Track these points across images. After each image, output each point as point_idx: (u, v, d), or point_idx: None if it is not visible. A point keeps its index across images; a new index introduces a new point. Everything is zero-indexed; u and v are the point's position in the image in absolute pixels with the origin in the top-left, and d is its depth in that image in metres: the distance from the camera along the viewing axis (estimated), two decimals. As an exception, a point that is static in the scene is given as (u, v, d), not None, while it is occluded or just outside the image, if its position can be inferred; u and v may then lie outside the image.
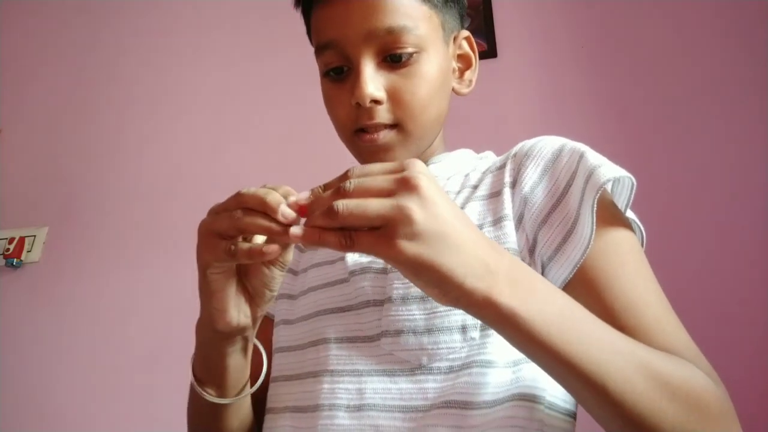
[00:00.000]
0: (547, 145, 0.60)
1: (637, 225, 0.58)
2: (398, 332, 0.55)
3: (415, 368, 0.54)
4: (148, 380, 1.54)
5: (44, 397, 1.59)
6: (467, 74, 0.70)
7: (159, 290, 1.62)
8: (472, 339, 0.53)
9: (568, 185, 0.55)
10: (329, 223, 0.39)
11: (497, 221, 0.58)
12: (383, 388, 0.54)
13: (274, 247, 0.45)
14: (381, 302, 0.57)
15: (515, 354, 0.51)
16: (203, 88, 1.84)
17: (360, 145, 0.62)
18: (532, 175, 0.59)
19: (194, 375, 0.57)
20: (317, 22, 0.63)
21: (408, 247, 0.38)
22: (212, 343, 0.54)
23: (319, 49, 0.63)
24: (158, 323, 1.59)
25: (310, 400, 0.58)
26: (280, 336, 0.67)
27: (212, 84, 1.84)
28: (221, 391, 0.57)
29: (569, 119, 1.51)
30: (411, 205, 0.38)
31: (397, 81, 0.60)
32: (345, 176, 0.42)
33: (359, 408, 0.54)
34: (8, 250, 1.73)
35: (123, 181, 1.80)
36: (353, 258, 0.63)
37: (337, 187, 0.40)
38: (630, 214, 0.57)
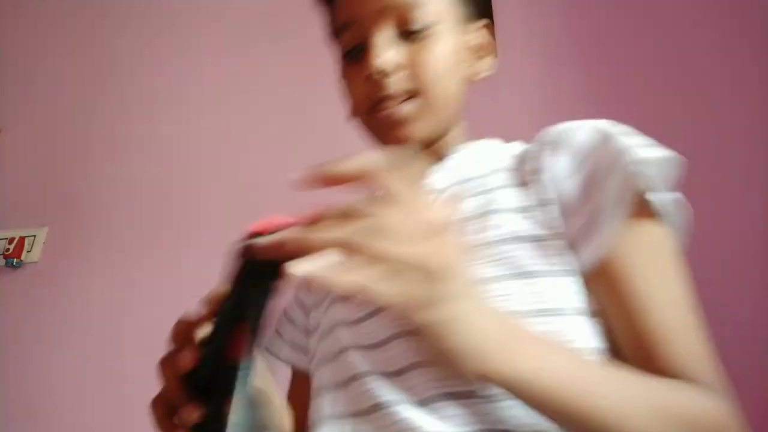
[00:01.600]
0: (582, 132, 0.60)
1: (675, 215, 0.55)
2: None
3: None
4: (147, 380, 1.53)
5: (44, 396, 1.59)
6: (486, 61, 0.70)
7: (159, 290, 1.62)
8: None
9: (606, 173, 0.54)
10: None
11: (542, 204, 0.57)
12: None
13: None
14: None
15: None
16: (204, 88, 1.84)
17: (376, 120, 0.62)
18: (565, 163, 0.58)
19: None
20: (337, 8, 0.65)
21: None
22: None
23: (339, 32, 0.64)
24: (158, 323, 1.58)
25: None
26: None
27: (213, 83, 1.83)
28: None
29: (569, 119, 1.50)
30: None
31: (415, 51, 0.60)
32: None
33: None
34: (8, 250, 1.73)
35: (123, 181, 1.79)
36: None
37: None
38: (668, 197, 0.54)
